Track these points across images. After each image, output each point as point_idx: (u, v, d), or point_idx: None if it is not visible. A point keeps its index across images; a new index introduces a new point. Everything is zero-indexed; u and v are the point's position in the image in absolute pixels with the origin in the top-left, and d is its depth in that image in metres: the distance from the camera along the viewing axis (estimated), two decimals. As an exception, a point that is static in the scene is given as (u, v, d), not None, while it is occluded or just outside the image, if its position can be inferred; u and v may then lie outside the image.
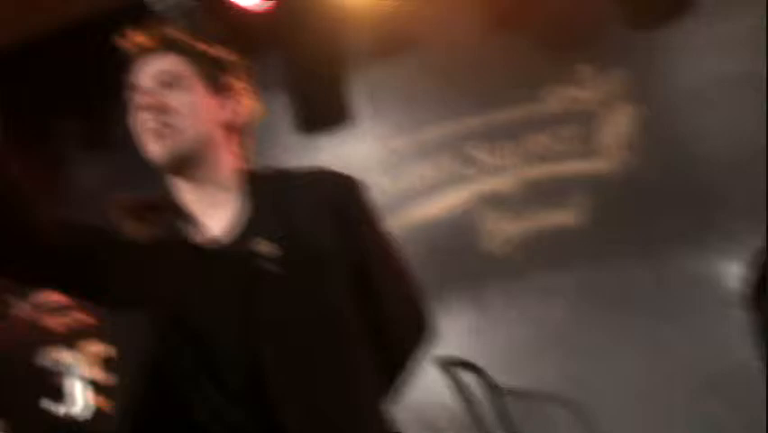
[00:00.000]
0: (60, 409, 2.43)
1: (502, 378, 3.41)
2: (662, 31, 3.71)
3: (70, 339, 2.54)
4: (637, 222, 3.59)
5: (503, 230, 3.77)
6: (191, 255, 1.52)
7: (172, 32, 1.62)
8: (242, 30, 3.65)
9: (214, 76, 1.60)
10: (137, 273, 1.50)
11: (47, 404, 2.44)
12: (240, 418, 1.44)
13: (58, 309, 2.55)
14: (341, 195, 1.65)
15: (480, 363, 3.31)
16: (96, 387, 2.49)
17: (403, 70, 3.95)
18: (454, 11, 3.83)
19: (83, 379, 2.49)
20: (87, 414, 2.45)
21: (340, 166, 1.79)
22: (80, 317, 2.57)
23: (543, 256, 3.69)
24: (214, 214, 1.55)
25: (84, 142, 4.18)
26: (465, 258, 3.77)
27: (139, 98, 1.56)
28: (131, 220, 1.53)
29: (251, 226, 1.53)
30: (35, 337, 2.52)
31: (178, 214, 1.56)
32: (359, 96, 3.97)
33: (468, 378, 3.33)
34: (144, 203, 1.55)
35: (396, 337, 1.67)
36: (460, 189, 3.87)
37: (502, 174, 3.84)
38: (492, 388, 3.20)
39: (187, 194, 1.58)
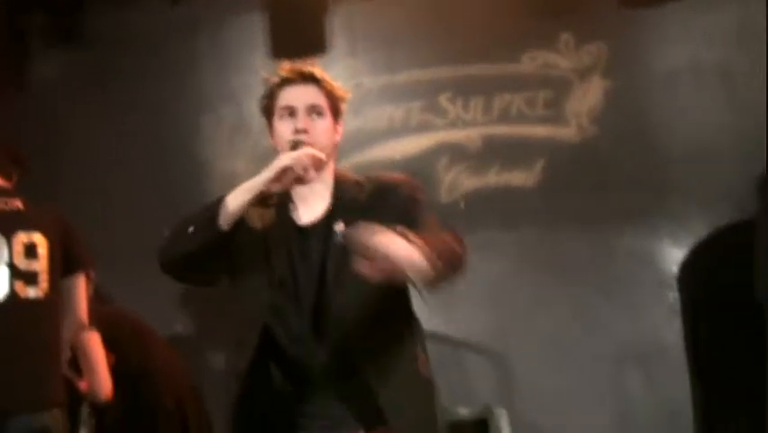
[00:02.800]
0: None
1: (431, 323, 3.47)
2: (647, 11, 3.73)
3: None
4: (589, 193, 3.65)
5: (459, 183, 3.81)
6: (294, 232, 2.13)
7: (316, 68, 2.18)
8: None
9: (337, 107, 2.18)
10: (257, 248, 2.12)
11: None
12: (307, 349, 2.07)
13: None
14: (402, 202, 2.18)
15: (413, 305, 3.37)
16: (20, 273, 2.53)
17: (386, 12, 3.95)
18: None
19: (9, 265, 2.52)
20: (11, 299, 2.49)
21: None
22: (10, 202, 2.60)
23: (492, 213, 3.74)
24: (315, 203, 2.15)
25: (50, 36, 4.15)
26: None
27: (295, 121, 2.13)
28: (255, 207, 2.10)
29: (335, 212, 2.12)
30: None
31: (288, 200, 2.17)
32: (337, 30, 3.97)
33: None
34: (267, 193, 2.08)
35: None
36: (424, 137, 3.90)
37: (468, 128, 3.87)
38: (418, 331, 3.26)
39: (299, 188, 2.14)
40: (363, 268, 1.85)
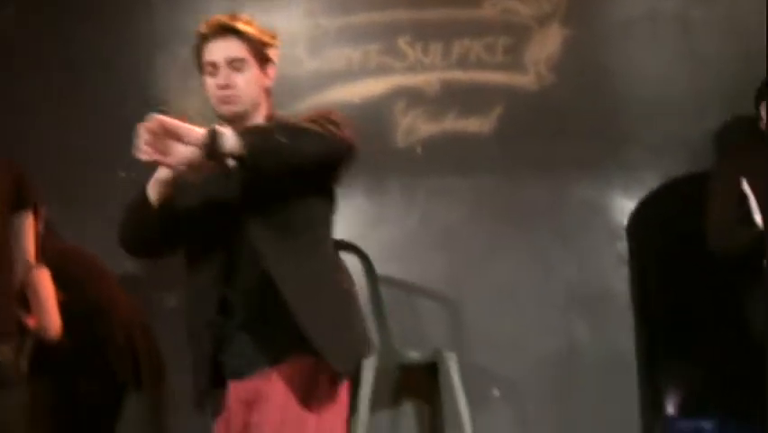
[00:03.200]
0: None
1: (385, 267, 3.51)
2: (610, -42, 3.72)
3: None
4: (545, 141, 3.66)
5: (416, 128, 3.80)
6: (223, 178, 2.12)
7: (238, 19, 2.21)
8: None
9: (262, 54, 2.21)
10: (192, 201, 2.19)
11: None
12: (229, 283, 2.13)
13: None
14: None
15: (368, 250, 3.39)
16: None
17: (346, -52, 3.88)
18: None
19: None
20: None
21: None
22: None
23: (448, 159, 3.74)
24: None
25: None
26: (372, 148, 3.78)
27: (216, 78, 2.20)
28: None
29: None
30: None
31: None
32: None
33: (350, 261, 3.41)
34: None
35: None
36: (382, 80, 3.86)
37: (426, 73, 3.84)
38: (371, 273, 3.29)
39: None
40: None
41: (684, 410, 3.76)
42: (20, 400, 2.59)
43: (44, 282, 2.78)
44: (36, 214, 2.80)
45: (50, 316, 2.78)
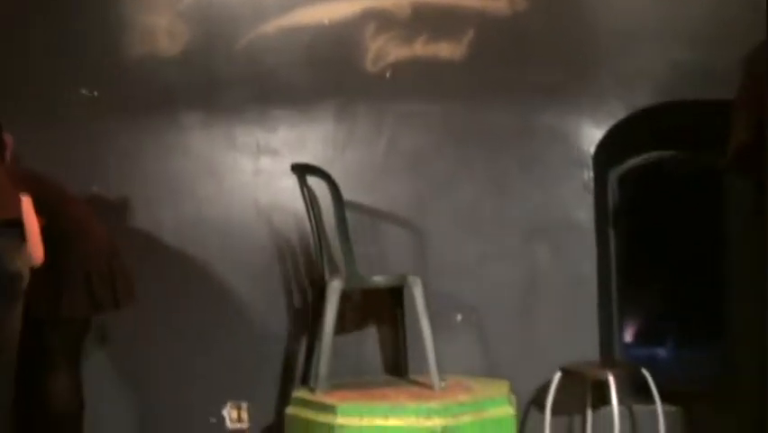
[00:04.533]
0: None
1: (351, 192, 3.51)
2: None
3: None
4: (515, 68, 3.63)
5: (386, 52, 3.75)
6: None
7: None
8: None
9: None
10: None
11: None
12: None
13: None
14: None
15: (335, 175, 3.37)
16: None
17: None
18: None
19: None
20: None
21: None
22: None
23: (417, 84, 3.70)
24: None
25: None
26: (341, 71, 3.75)
27: None
28: None
29: None
30: None
31: None
32: None
33: (317, 185, 3.40)
34: None
35: None
36: (352, 2, 3.79)
37: (399, -4, 3.78)
38: (337, 198, 3.29)
39: None
40: None
41: (641, 337, 3.87)
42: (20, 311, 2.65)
43: (28, 210, 2.78)
44: (2, 143, 2.78)
45: (33, 243, 2.80)
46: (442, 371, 3.20)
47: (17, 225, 2.68)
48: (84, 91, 3.84)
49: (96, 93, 3.87)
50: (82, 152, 3.81)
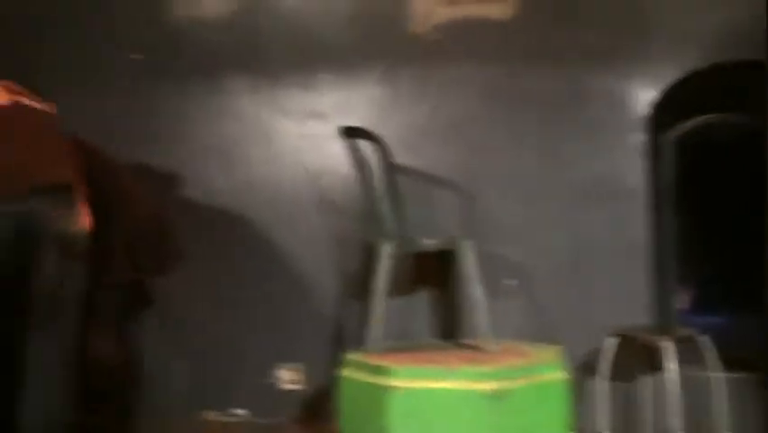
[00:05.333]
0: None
1: (398, 155, 3.48)
2: None
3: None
4: (565, 31, 3.57)
5: (432, 12, 3.70)
6: None
7: None
8: None
9: None
10: None
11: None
12: None
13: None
14: None
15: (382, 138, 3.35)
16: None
17: None
18: None
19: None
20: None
21: None
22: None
23: (465, 46, 3.65)
24: None
25: None
26: (387, 33, 3.72)
27: None
28: None
29: None
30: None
31: None
32: None
33: (366, 149, 3.37)
34: None
35: None
36: (400, -38, 3.75)
37: (445, -45, 3.72)
38: (387, 160, 3.26)
39: None
40: None
41: (694, 304, 3.81)
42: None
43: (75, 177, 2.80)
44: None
45: (81, 208, 2.81)
46: (492, 335, 3.19)
47: (67, 190, 2.69)
48: (132, 56, 3.85)
49: (143, 58, 3.87)
50: (129, 119, 3.81)
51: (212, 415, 3.76)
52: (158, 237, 3.29)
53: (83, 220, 2.85)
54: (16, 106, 2.71)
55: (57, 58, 3.81)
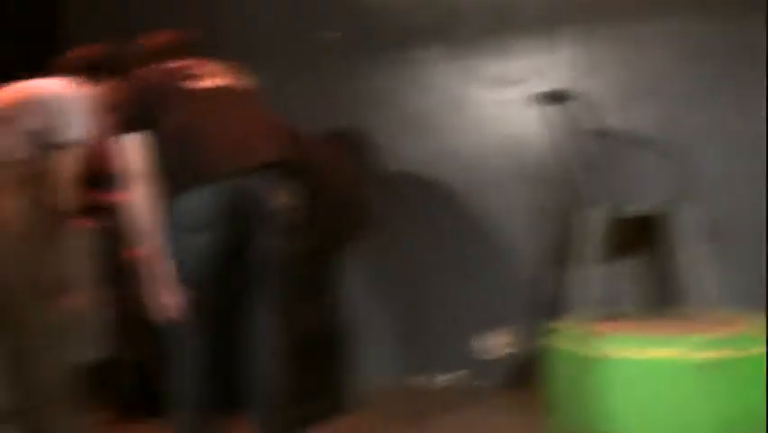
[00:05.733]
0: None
1: (598, 118, 3.41)
2: None
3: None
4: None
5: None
6: None
7: None
8: None
9: None
10: None
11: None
12: None
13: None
14: None
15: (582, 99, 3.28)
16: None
17: None
18: None
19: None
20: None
21: None
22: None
23: (654, 3, 3.52)
24: None
25: None
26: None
27: None
28: None
29: None
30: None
31: None
32: None
33: (567, 113, 3.31)
34: None
35: None
36: None
37: None
38: (592, 123, 3.19)
39: None
40: None
41: None
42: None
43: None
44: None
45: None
46: (702, 303, 3.08)
47: (286, 165, 2.80)
48: (328, 34, 3.95)
49: (339, 34, 3.97)
50: (328, 94, 3.93)
51: (418, 380, 3.87)
52: (357, 204, 3.38)
53: (297, 194, 2.96)
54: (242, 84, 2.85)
55: (256, 40, 3.97)
